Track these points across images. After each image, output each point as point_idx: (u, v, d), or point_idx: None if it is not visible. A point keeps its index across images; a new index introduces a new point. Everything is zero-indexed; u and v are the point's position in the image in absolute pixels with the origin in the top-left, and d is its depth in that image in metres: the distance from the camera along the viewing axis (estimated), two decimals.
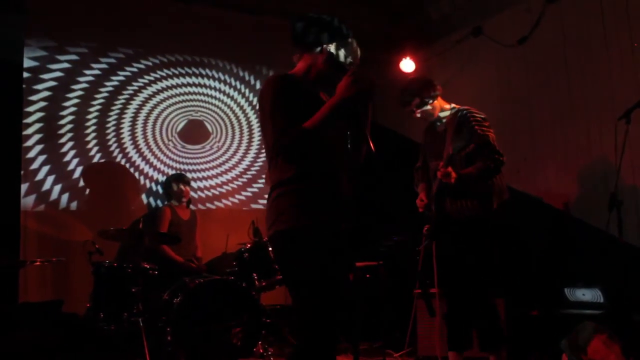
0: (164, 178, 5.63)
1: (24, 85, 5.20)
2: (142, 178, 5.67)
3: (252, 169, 6.27)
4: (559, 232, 4.85)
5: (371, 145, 2.36)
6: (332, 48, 2.45)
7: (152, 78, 5.85)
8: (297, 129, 2.26)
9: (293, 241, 2.27)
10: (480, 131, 3.64)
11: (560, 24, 5.02)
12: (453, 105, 3.86)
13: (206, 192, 6.00)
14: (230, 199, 6.11)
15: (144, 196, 5.68)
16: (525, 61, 5.33)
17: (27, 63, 5.23)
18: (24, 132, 5.16)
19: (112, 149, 5.56)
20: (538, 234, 4.94)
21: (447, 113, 3.82)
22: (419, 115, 3.86)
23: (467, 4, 5.89)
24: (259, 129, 6.27)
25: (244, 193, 6.21)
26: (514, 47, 5.38)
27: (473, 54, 5.79)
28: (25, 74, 5.22)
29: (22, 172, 5.10)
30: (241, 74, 6.36)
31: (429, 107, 3.81)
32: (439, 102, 3.85)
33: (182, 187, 5.33)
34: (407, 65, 6.05)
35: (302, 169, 2.32)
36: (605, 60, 4.66)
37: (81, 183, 5.35)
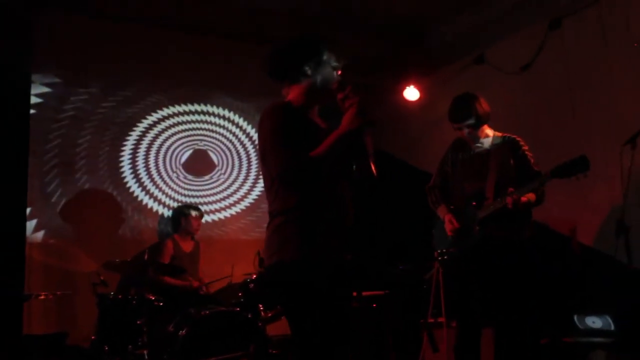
0: (168, 210, 5.68)
1: (32, 111, 5.28)
2: (142, 209, 5.69)
3: (259, 200, 6.27)
4: (566, 258, 4.80)
5: (374, 171, 2.36)
6: (315, 72, 2.45)
7: (154, 108, 5.92)
8: (306, 157, 2.26)
9: (298, 272, 2.24)
10: (536, 166, 3.66)
11: (563, 50, 5.05)
12: (495, 132, 3.85)
13: (211, 222, 5.99)
14: (235, 229, 6.10)
15: (148, 227, 5.68)
16: (528, 88, 5.35)
17: (36, 91, 5.32)
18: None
19: (114, 180, 5.59)
20: (546, 260, 4.89)
21: (489, 136, 3.81)
22: (466, 133, 3.78)
23: (469, 32, 5.94)
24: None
25: (249, 224, 6.20)
26: (517, 74, 5.40)
27: (476, 82, 5.79)
28: (34, 100, 5.30)
29: (27, 203, 5.11)
30: (243, 105, 6.42)
31: (479, 128, 3.77)
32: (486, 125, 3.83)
33: (196, 214, 5.35)
34: (411, 93, 6.06)
35: (305, 197, 2.29)
36: (608, 84, 4.67)
37: (84, 214, 5.36)
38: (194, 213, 5.37)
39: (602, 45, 4.74)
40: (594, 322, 3.94)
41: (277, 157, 2.25)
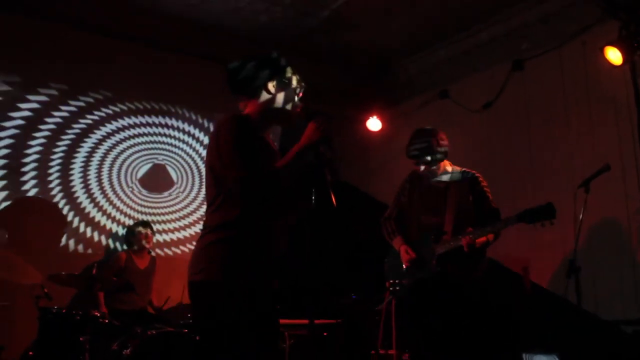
0: (117, 225, 5.54)
1: None
2: (91, 222, 5.48)
3: None
4: (518, 296, 4.86)
5: (333, 201, 2.32)
6: (276, 90, 2.44)
7: (114, 118, 5.74)
8: (270, 170, 2.22)
9: (223, 294, 2.15)
10: (493, 203, 3.70)
11: (524, 92, 5.19)
12: (454, 166, 3.86)
13: (165, 241, 5.83)
14: (191, 249, 5.95)
15: (97, 242, 5.48)
16: (489, 126, 5.46)
17: None
18: None
19: (63, 189, 5.38)
20: (496, 298, 4.94)
21: (449, 170, 3.82)
22: (422, 169, 3.81)
23: (434, 68, 6.05)
24: None
25: None
26: (479, 111, 5.51)
27: (438, 116, 5.88)
28: None
29: None
30: (206, 122, 6.31)
31: (437, 164, 3.79)
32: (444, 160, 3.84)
33: (143, 231, 5.22)
34: (374, 123, 6.11)
35: (245, 217, 2.22)
36: (565, 129, 4.81)
37: (27, 223, 5.14)
38: (139, 229, 5.25)
39: (560, 89, 4.89)
40: None
41: (241, 167, 2.17)
